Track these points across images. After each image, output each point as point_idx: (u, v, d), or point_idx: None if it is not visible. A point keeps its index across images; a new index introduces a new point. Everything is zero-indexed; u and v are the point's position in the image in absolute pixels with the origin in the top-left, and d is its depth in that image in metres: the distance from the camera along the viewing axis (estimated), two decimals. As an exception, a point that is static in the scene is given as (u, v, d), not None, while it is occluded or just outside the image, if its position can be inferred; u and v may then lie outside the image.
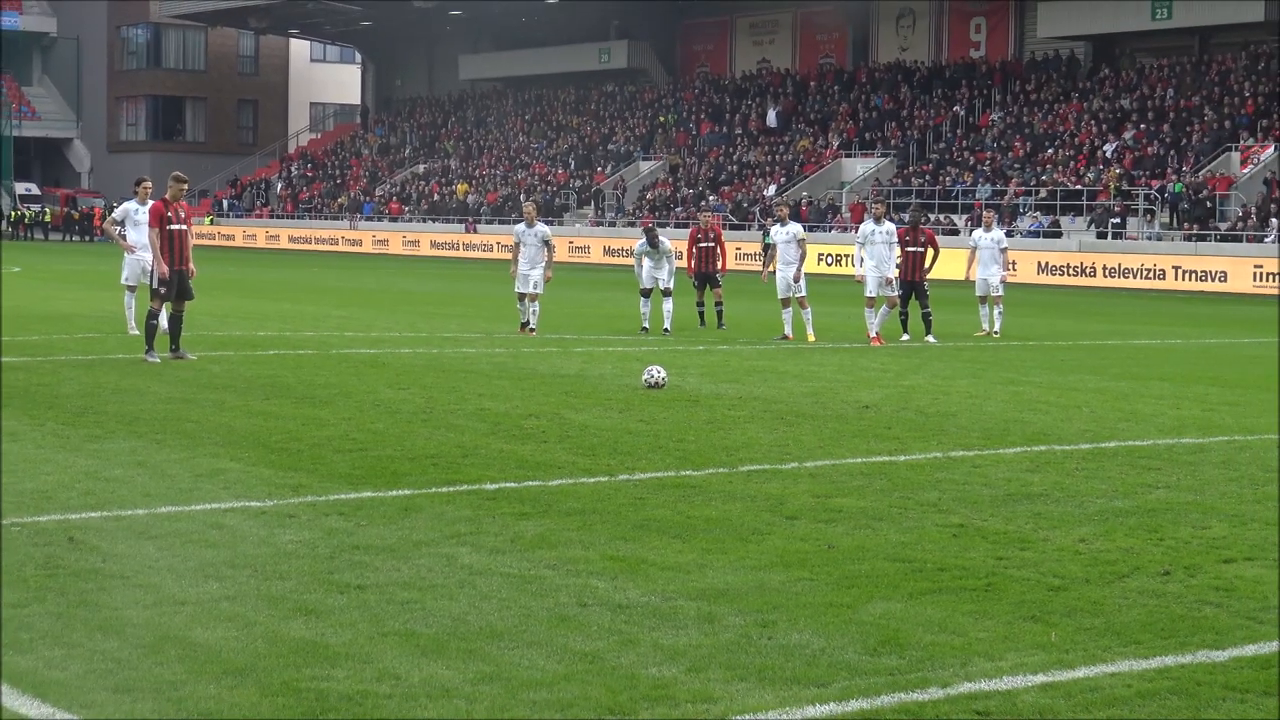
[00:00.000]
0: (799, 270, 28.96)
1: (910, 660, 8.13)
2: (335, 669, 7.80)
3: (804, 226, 30.59)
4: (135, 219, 26.35)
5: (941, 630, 8.70)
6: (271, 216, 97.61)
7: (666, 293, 29.78)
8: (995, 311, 30.79)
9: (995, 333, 30.40)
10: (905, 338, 29.26)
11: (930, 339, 28.89)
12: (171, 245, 22.78)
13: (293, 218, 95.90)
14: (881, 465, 14.37)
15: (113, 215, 27.02)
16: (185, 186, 23.53)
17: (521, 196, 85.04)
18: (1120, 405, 19.50)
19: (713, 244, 31.14)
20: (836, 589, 9.57)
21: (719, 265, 31.23)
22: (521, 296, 28.64)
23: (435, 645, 8.22)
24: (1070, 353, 26.92)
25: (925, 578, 9.92)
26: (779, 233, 29.56)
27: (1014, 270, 31.26)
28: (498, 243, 77.83)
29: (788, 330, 28.97)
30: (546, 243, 28.78)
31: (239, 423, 16.13)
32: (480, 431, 15.96)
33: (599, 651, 8.18)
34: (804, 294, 28.99)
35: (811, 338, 28.52)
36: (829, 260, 63.77)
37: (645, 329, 29.55)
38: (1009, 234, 57.71)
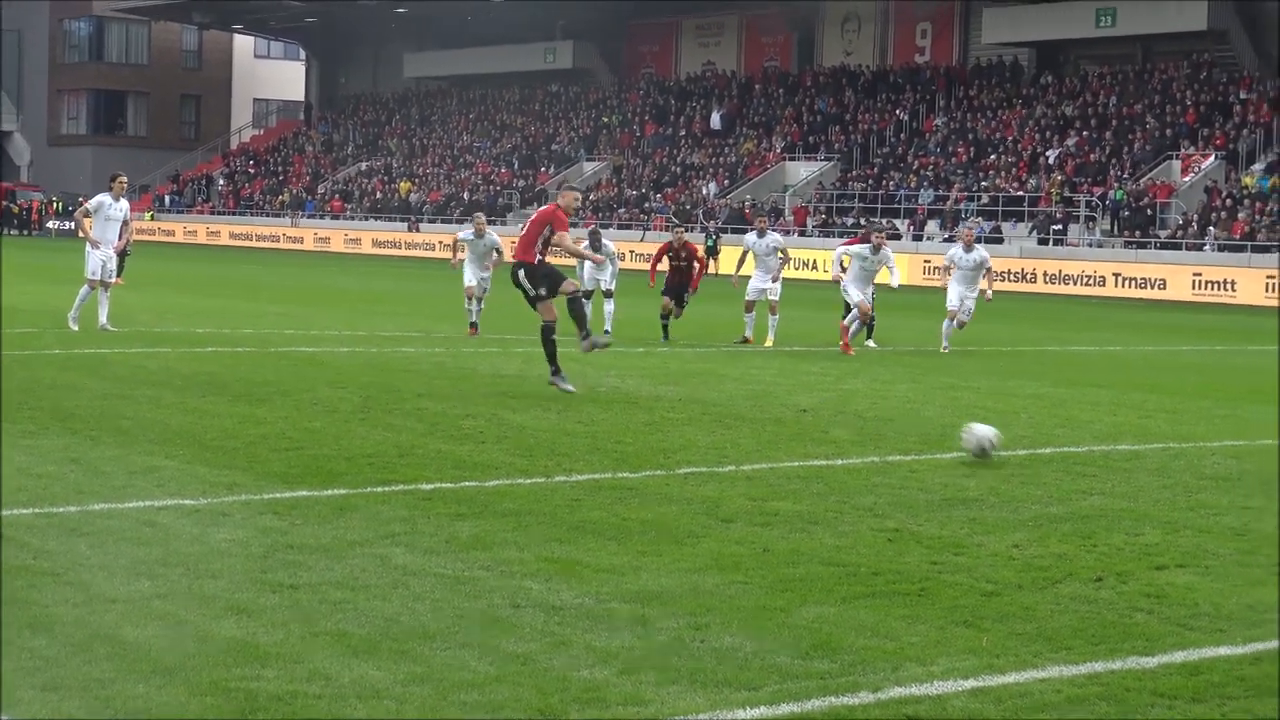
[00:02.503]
0: (778, 276, 29.29)
1: (842, 664, 8.14)
2: (265, 669, 7.75)
3: (756, 232, 29.89)
4: (108, 214, 26.38)
5: (874, 634, 8.71)
6: (213, 213, 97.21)
7: (608, 294, 29.69)
8: (951, 326, 28.81)
9: (947, 349, 28.66)
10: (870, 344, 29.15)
11: (871, 343, 28.96)
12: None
13: (234, 214, 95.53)
14: (818, 469, 14.39)
15: (85, 206, 26.98)
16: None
17: (465, 195, 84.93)
18: (1057, 411, 19.58)
19: (686, 263, 29.77)
20: (770, 592, 9.57)
21: (692, 282, 29.83)
22: (470, 294, 28.91)
23: (367, 646, 8.18)
24: (1009, 359, 27.04)
25: (859, 582, 9.93)
26: (759, 244, 29.61)
27: (989, 297, 29.61)
28: (440, 241, 77.70)
29: (748, 333, 29.06)
30: (498, 250, 29.29)
31: (175, 420, 16.04)
32: (417, 431, 15.91)
33: (531, 653, 8.16)
34: (777, 299, 29.15)
35: (770, 343, 28.53)
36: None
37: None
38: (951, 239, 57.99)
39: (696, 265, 29.76)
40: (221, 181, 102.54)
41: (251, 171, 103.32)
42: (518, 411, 17.72)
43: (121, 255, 42.73)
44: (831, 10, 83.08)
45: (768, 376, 22.73)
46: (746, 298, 29.38)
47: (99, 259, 26.25)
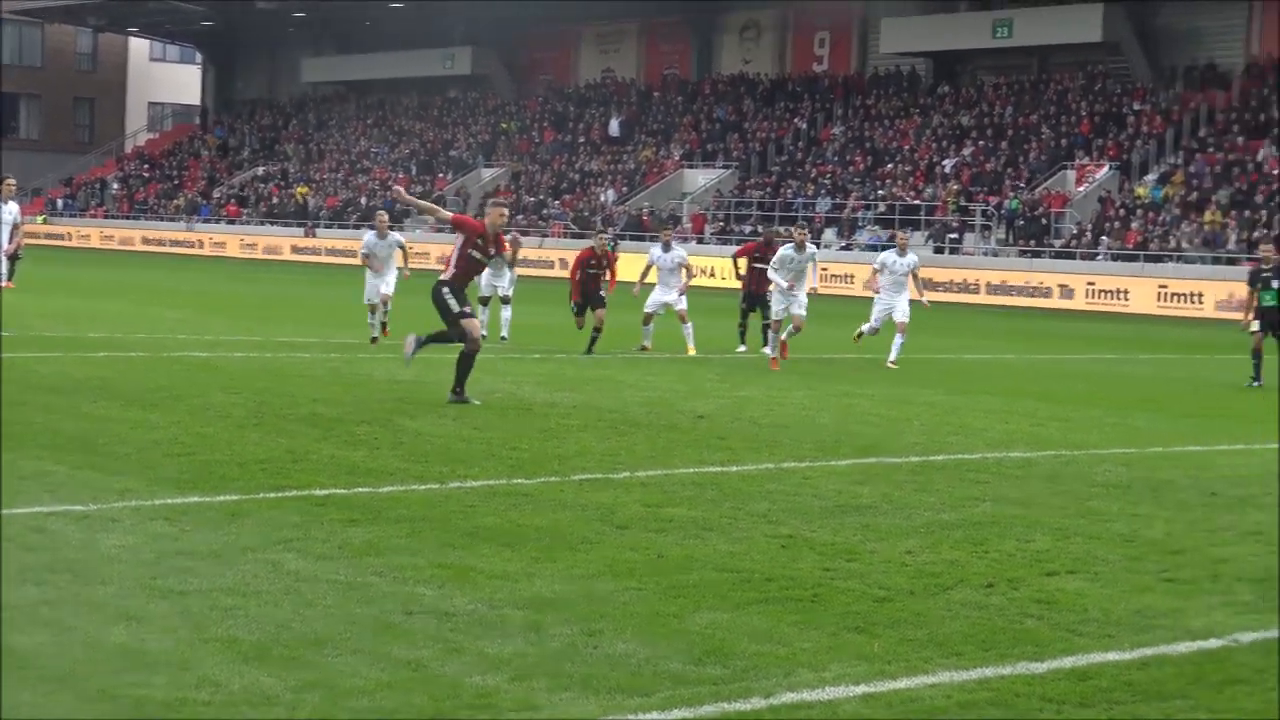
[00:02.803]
0: (684, 290, 29.33)
1: (734, 670, 8.15)
2: (155, 676, 7.68)
3: (661, 246, 29.70)
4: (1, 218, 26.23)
5: (767, 640, 8.73)
6: (107, 217, 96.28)
7: (505, 300, 29.67)
8: (897, 339, 27.59)
9: (893, 364, 27.23)
10: (741, 349, 29.50)
11: (767, 350, 29.06)
12: None
13: (129, 218, 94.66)
14: (713, 475, 14.42)
15: None
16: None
17: (362, 201, 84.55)
18: (950, 419, 19.71)
19: (603, 270, 28.85)
20: (664, 598, 9.58)
21: (605, 287, 28.88)
22: (373, 308, 28.43)
23: (257, 652, 8.13)
24: (903, 366, 27.17)
25: (753, 588, 9.96)
26: (664, 259, 29.56)
27: (927, 304, 29.14)
28: (336, 247, 77.41)
29: (647, 343, 29.01)
30: (402, 248, 29.06)
31: (65, 425, 15.87)
32: (312, 437, 15.83)
33: (423, 660, 8.13)
34: (685, 309, 29.09)
35: (692, 350, 28.63)
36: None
37: (483, 335, 29.43)
38: (844, 240, 58.32)
39: (609, 274, 28.94)
40: (116, 185, 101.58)
41: (146, 175, 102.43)
42: (413, 418, 17.66)
43: (12, 259, 42.35)
44: (730, 19, 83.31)
45: (664, 383, 22.76)
46: (646, 309, 29.30)
47: None
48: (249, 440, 15.39)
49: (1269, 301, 26.52)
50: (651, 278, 29.93)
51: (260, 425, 16.43)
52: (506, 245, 19.90)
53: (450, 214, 21.52)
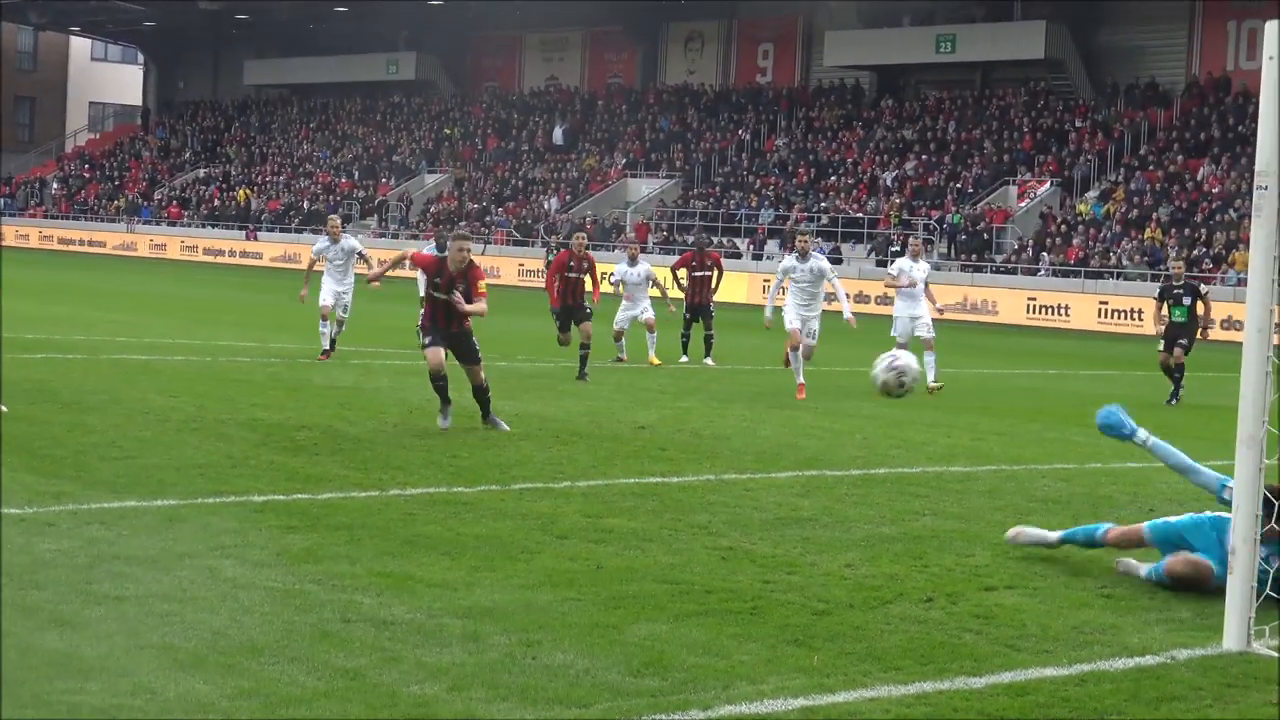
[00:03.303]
0: (647, 301, 29.51)
1: (673, 682, 8.14)
2: (89, 682, 7.62)
3: (628, 260, 29.58)
4: None
5: (705, 652, 8.72)
6: (46, 217, 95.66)
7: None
8: (928, 358, 25.67)
9: (936, 385, 25.59)
10: (684, 359, 29.54)
11: (709, 361, 29.11)
12: None
13: (68, 218, 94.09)
14: (654, 486, 14.41)
15: None
16: None
17: (305, 205, 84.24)
18: (892, 432, 19.75)
19: (584, 274, 27.04)
20: (603, 609, 9.56)
21: (586, 295, 27.12)
22: (325, 316, 26.50)
23: (194, 659, 8.07)
24: (845, 379, 27.21)
25: (692, 600, 9.95)
26: (631, 273, 29.50)
27: (940, 311, 27.49)
28: (278, 251, 77.20)
29: (622, 354, 29.17)
30: (360, 254, 27.35)
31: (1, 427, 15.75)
32: (251, 442, 15.75)
33: (361, 668, 8.09)
34: (651, 317, 29.30)
35: (655, 361, 28.70)
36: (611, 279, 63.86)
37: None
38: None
39: (591, 280, 27.40)
40: (55, 185, 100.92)
41: (87, 175, 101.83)
42: (353, 424, 17.61)
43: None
44: (675, 28, 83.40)
45: (605, 392, 22.75)
46: (617, 326, 29.42)
47: None
48: (187, 445, 15.30)
49: (1178, 318, 26.68)
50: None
51: (199, 430, 16.35)
52: (480, 286, 17.76)
53: (410, 251, 19.89)
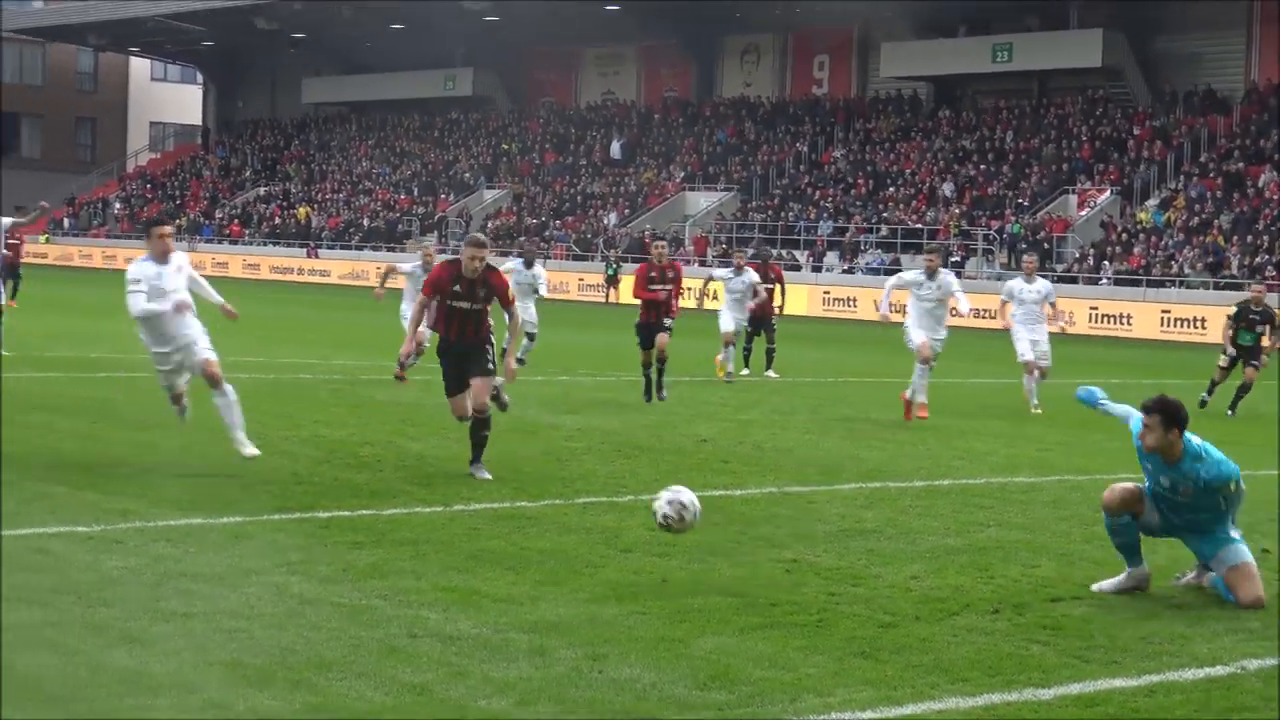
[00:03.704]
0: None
1: (740, 695, 8.12)
2: (158, 699, 7.65)
3: (734, 269, 29.27)
4: None
5: (772, 665, 8.70)
6: (109, 236, 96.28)
7: (531, 337, 29.00)
8: (1031, 381, 24.74)
9: (1037, 407, 24.48)
10: (745, 372, 29.47)
11: (771, 374, 29.07)
12: None
13: (130, 238, 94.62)
14: (717, 499, 14.38)
15: None
16: None
17: (364, 222, 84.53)
18: (955, 444, 19.69)
19: (670, 287, 23.86)
20: (669, 623, 9.54)
21: (671, 310, 23.94)
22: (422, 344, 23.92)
23: (262, 676, 8.10)
24: (899, 390, 27.08)
25: (757, 613, 9.92)
26: (735, 281, 29.15)
27: (1069, 322, 25.36)
28: (346, 269, 77.56)
29: (730, 366, 28.52)
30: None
31: (67, 446, 15.85)
32: (314, 459, 15.80)
33: (428, 684, 8.10)
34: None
35: (764, 373, 28.89)
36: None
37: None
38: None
39: (674, 290, 24.03)
40: (118, 205, 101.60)
41: (148, 195, 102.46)
42: (416, 440, 17.65)
43: (14, 276, 42.32)
44: (731, 41, 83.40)
45: (667, 406, 22.73)
46: (727, 330, 28.72)
47: None
48: (252, 462, 15.36)
49: (1247, 341, 26.47)
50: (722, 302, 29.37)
51: (263, 446, 16.37)
52: (510, 293, 15.94)
53: (391, 265, 18.10)
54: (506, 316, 15.83)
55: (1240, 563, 10.92)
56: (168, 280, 15.62)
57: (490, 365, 15.58)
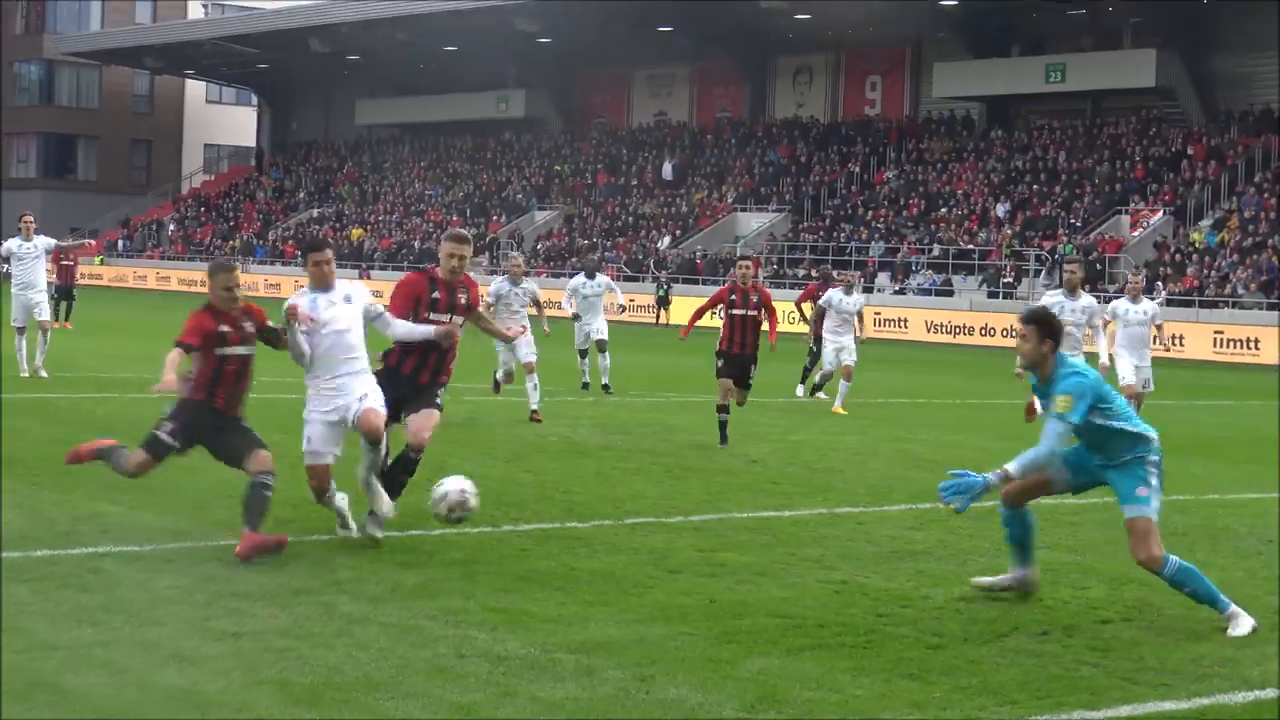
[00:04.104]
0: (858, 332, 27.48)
1: (787, 716, 8.12)
2: (209, 717, 7.69)
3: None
4: (20, 255, 25.80)
5: (819, 687, 8.69)
6: (163, 258, 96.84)
7: (602, 346, 28.34)
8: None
9: None
10: (799, 392, 29.15)
11: (822, 395, 28.84)
12: None
13: (184, 259, 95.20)
14: (766, 520, 14.38)
15: None
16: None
17: (416, 243, 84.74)
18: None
19: (754, 312, 21.14)
20: (716, 644, 9.55)
21: (757, 342, 21.31)
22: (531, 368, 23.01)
23: (310, 695, 8.13)
24: (957, 411, 27.08)
25: (805, 634, 9.92)
26: (846, 302, 27.40)
27: (1170, 345, 21.64)
28: (390, 289, 77.66)
29: (839, 404, 26.48)
30: (536, 301, 24.95)
31: (121, 465, 15.92)
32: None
33: (476, 703, 8.12)
34: (853, 362, 27.17)
35: (841, 410, 26.20)
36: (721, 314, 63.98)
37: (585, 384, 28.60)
38: (897, 288, 58.17)
39: (768, 318, 21.60)
40: (172, 226, 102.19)
41: (202, 217, 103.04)
42: (465, 459, 17.67)
43: (69, 297, 42.57)
44: (783, 62, 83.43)
45: (716, 427, 22.71)
46: (828, 366, 27.69)
47: (19, 303, 25.63)
48: (302, 481, 15.37)
49: None
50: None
51: (314, 466, 16.44)
52: (477, 297, 14.07)
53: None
54: (478, 324, 14.38)
55: (1133, 518, 10.81)
56: (322, 312, 13.28)
57: (439, 401, 13.53)
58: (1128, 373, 23.00)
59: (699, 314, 21.63)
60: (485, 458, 17.99)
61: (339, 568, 11.27)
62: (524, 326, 22.54)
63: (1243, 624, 10.41)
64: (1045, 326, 10.99)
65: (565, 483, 16.20)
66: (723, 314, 21.16)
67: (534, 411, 22.50)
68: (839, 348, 27.17)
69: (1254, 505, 16.51)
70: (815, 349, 29.27)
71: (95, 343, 34.67)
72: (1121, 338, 23.20)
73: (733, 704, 8.30)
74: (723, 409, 20.62)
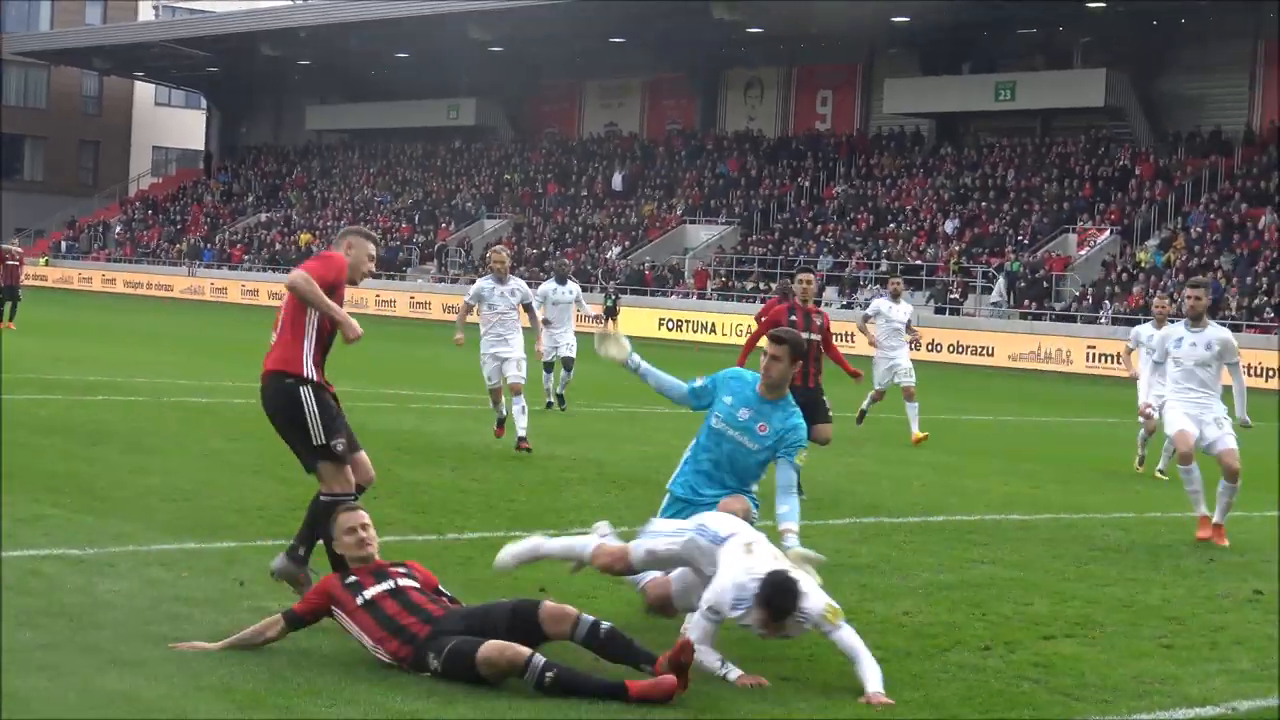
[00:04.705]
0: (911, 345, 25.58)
1: (730, 729, 8.12)
2: (148, 722, 7.66)
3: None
4: None
5: (763, 700, 8.70)
6: (109, 260, 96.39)
7: (567, 364, 27.22)
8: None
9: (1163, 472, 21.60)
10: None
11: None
12: None
13: (131, 262, 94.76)
14: (711, 532, 14.36)
15: None
16: None
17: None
18: (950, 480, 19.69)
19: (818, 337, 17.55)
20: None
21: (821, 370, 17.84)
22: (518, 390, 20.71)
23: (252, 701, 8.10)
24: (903, 426, 27.12)
25: (748, 645, 9.91)
26: (896, 310, 25.47)
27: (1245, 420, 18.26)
28: (351, 295, 77.45)
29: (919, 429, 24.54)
30: (527, 305, 21.89)
31: (62, 468, 15.85)
32: (310, 484, 15.73)
33: (418, 711, 8.10)
34: (913, 383, 25.24)
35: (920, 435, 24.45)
36: (669, 325, 64.07)
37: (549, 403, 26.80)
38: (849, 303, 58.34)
39: (825, 343, 17.84)
40: (119, 229, 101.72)
41: (149, 219, 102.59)
42: (411, 467, 17.65)
43: (13, 298, 42.40)
44: (734, 75, 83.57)
45: (663, 438, 22.72)
46: (879, 386, 25.38)
47: None
48: (247, 487, 15.37)
49: None
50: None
51: (259, 473, 16.42)
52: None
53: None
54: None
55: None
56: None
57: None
58: (1147, 397, 21.20)
59: (756, 339, 17.93)
60: (430, 465, 17.96)
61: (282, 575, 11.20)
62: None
63: None
64: (797, 348, 10.99)
65: (510, 491, 16.19)
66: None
67: (521, 439, 20.02)
68: (892, 365, 24.98)
69: (1194, 524, 16.59)
70: None
71: (38, 343, 34.48)
72: (1147, 361, 21.59)
73: (676, 715, 8.29)
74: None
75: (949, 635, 10.57)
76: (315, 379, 10.86)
